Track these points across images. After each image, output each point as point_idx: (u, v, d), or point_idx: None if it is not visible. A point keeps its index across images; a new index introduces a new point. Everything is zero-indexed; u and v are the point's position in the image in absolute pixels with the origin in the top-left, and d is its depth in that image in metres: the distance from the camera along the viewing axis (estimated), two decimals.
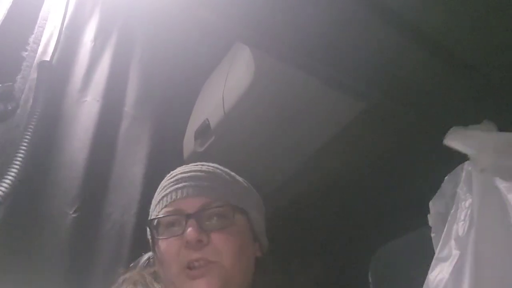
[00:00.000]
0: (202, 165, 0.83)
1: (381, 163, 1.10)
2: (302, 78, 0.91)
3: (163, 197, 0.79)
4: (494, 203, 0.68)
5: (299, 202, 1.04)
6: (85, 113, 1.20)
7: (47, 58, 1.14)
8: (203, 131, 1.17)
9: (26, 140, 1.00)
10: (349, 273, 1.27)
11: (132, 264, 0.87)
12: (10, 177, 0.92)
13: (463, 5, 0.72)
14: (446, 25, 0.76)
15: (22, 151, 0.97)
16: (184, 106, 1.35)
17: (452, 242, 0.69)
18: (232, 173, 0.85)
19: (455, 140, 0.76)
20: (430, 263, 0.70)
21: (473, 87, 0.88)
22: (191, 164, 0.83)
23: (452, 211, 0.73)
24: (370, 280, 1.25)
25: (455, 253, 0.67)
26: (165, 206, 0.77)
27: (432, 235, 0.76)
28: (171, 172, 0.83)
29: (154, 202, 0.83)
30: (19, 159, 0.95)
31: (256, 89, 0.98)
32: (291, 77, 0.93)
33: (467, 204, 0.71)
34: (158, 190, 0.83)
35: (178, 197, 0.77)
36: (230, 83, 1.08)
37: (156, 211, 0.79)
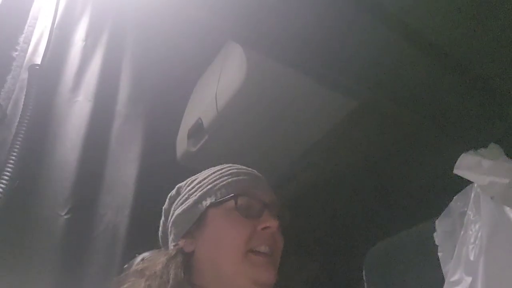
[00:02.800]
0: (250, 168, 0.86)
1: (373, 161, 1.10)
2: (294, 76, 0.91)
3: (231, 181, 0.79)
4: (504, 231, 0.69)
5: (293, 200, 1.04)
6: (76, 113, 1.19)
7: (38, 58, 1.14)
8: (196, 130, 1.16)
9: (17, 141, 0.99)
10: (343, 271, 1.27)
11: (126, 266, 0.86)
12: (4, 180, 0.91)
13: (455, 3, 0.72)
14: (438, 24, 0.76)
15: (14, 153, 0.96)
16: (177, 105, 1.34)
17: (463, 266, 0.71)
18: None
19: (464, 169, 0.77)
20: (424, 261, 0.71)
21: (465, 85, 0.88)
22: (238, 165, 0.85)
23: (462, 233, 0.74)
24: (364, 278, 1.25)
25: (467, 278, 0.69)
26: (236, 190, 0.77)
27: (439, 254, 0.77)
28: (221, 166, 0.83)
29: (207, 186, 0.80)
30: (11, 161, 0.94)
31: (248, 88, 0.98)
32: (283, 75, 0.93)
33: (476, 227, 0.73)
34: (209, 179, 0.81)
35: (252, 185, 0.79)
36: (222, 82, 1.07)
37: (220, 194, 0.78)
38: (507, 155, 0.82)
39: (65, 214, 1.06)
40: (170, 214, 0.83)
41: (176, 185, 0.86)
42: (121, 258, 1.07)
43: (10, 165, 0.97)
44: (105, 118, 1.25)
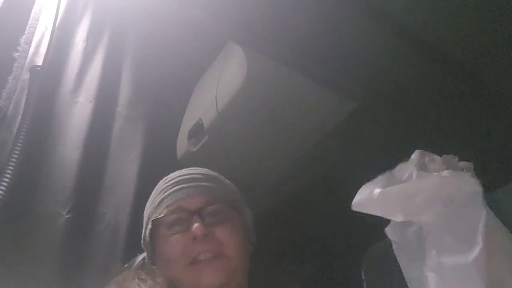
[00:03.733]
0: (196, 169, 0.87)
1: (373, 161, 1.10)
2: (294, 78, 0.91)
3: (163, 198, 0.81)
4: None
5: (292, 201, 1.05)
6: (77, 113, 1.19)
7: (39, 59, 1.14)
8: (197, 131, 1.17)
9: (19, 142, 0.99)
10: (342, 271, 1.28)
11: (126, 265, 0.87)
12: (5, 180, 0.91)
13: (453, 5, 0.73)
14: (437, 26, 0.77)
15: (15, 153, 0.97)
16: (177, 106, 1.35)
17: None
18: (222, 177, 0.88)
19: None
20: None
21: (464, 88, 0.89)
22: (184, 170, 0.87)
23: None
24: (363, 277, 1.25)
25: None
26: (167, 207, 0.80)
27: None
28: (166, 177, 0.86)
29: (152, 205, 0.84)
30: (12, 161, 0.95)
31: (248, 89, 0.99)
32: (283, 76, 0.94)
33: None
34: (154, 193, 0.86)
35: (179, 197, 0.80)
36: (223, 83, 1.08)
37: (157, 212, 0.81)
38: (507, 157, 0.82)
39: (66, 213, 1.07)
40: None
41: None
42: (122, 257, 1.08)
43: (11, 165, 0.98)
44: (106, 119, 1.25)
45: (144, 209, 0.87)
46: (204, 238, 0.75)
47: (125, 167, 1.23)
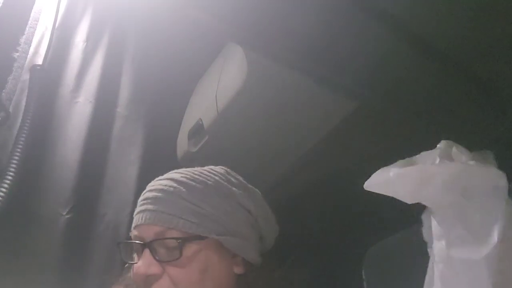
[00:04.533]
0: (170, 179, 0.79)
1: (374, 161, 1.10)
2: (294, 78, 0.91)
3: (134, 215, 0.80)
4: None
5: (293, 201, 1.05)
6: (77, 114, 1.20)
7: (39, 59, 1.14)
8: (197, 131, 1.17)
9: (19, 142, 0.99)
10: (343, 270, 1.28)
11: (126, 265, 0.87)
12: (6, 181, 0.91)
13: (456, 5, 0.73)
14: (438, 25, 0.77)
15: (15, 153, 0.97)
16: (177, 106, 1.35)
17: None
18: (213, 184, 0.79)
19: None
20: (425, 260, 0.71)
21: (466, 87, 0.89)
22: (164, 176, 0.81)
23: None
24: (364, 277, 1.25)
25: None
26: (132, 230, 0.79)
27: (429, 250, 0.75)
28: (149, 184, 0.82)
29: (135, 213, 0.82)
30: (13, 162, 0.95)
31: (249, 89, 0.99)
32: (284, 76, 0.93)
33: None
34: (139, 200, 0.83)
35: (139, 222, 0.76)
36: (223, 83, 1.08)
37: (132, 227, 0.80)
38: (509, 156, 0.82)
39: (67, 214, 1.07)
40: None
41: None
42: (121, 258, 1.08)
43: (12, 166, 0.98)
44: (106, 119, 1.26)
45: None
46: (149, 279, 0.70)
47: (125, 167, 1.23)
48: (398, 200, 0.79)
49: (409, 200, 0.66)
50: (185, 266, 0.71)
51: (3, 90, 1.07)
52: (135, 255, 0.75)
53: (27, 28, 1.16)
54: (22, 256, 0.99)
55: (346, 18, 0.76)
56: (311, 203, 1.22)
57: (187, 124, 1.23)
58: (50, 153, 1.12)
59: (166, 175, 0.82)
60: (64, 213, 1.07)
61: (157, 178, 0.82)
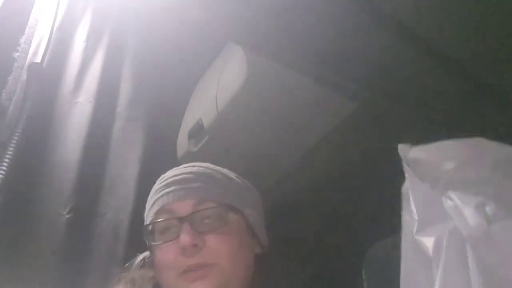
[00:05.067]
0: (193, 166, 0.82)
1: (374, 161, 1.10)
2: (294, 78, 0.91)
3: (155, 201, 0.79)
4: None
5: (293, 201, 1.05)
6: (77, 114, 1.20)
7: (39, 59, 1.14)
8: (197, 131, 1.17)
9: (19, 142, 0.99)
10: (342, 271, 1.28)
11: (127, 265, 0.87)
12: (6, 180, 0.92)
13: (455, 5, 0.73)
14: (439, 26, 0.77)
15: (16, 153, 0.97)
16: (178, 106, 1.35)
17: None
18: (225, 171, 0.83)
19: None
20: None
21: (468, 88, 0.89)
22: (182, 166, 0.83)
23: None
24: (364, 277, 1.25)
25: None
26: (157, 211, 0.77)
27: None
28: (162, 176, 0.83)
29: (147, 206, 0.82)
30: (13, 161, 0.95)
31: (249, 89, 0.99)
32: (284, 76, 0.93)
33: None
34: (151, 193, 0.83)
35: (170, 200, 0.76)
36: (223, 83, 1.08)
37: (150, 216, 0.79)
38: None
39: (67, 214, 1.07)
40: None
41: None
42: (122, 257, 1.08)
43: (11, 166, 0.98)
44: (106, 119, 1.25)
45: (144, 210, 0.86)
46: (193, 249, 0.71)
47: (125, 167, 1.23)
48: (398, 200, 0.79)
49: (449, 166, 0.68)
50: (225, 236, 0.73)
51: (3, 90, 1.07)
52: (168, 234, 0.75)
53: (27, 28, 1.16)
54: (22, 256, 0.99)
55: (347, 19, 0.76)
56: (310, 202, 1.22)
57: (187, 124, 1.23)
58: (50, 153, 1.12)
59: (182, 166, 0.83)
60: (65, 213, 1.07)
61: (173, 169, 0.83)
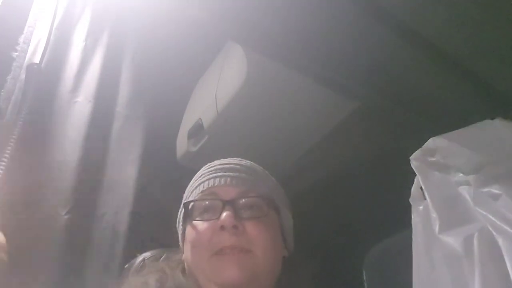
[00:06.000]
0: (240, 160, 0.85)
1: (375, 161, 1.10)
2: (295, 77, 0.91)
3: (200, 183, 0.80)
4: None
5: (293, 201, 1.04)
6: (76, 113, 1.19)
7: (37, 59, 1.13)
8: (197, 131, 1.16)
9: (13, 141, 0.99)
10: (343, 272, 1.27)
11: (126, 266, 0.87)
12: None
13: (457, 5, 0.73)
14: (440, 26, 0.76)
15: (8, 152, 0.97)
16: (177, 106, 1.35)
17: None
18: (267, 172, 0.86)
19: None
20: None
21: (468, 88, 0.89)
22: (229, 158, 0.85)
23: None
24: (365, 278, 1.25)
25: None
26: (202, 192, 0.78)
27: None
28: (210, 163, 0.84)
29: (189, 188, 0.83)
30: (5, 160, 0.95)
31: (249, 88, 0.98)
32: (284, 76, 0.93)
33: None
34: (195, 178, 0.84)
35: (216, 184, 0.78)
36: (223, 83, 1.08)
37: (192, 196, 0.80)
38: None
39: (65, 214, 1.06)
40: None
41: (176, 185, 0.87)
42: (121, 258, 1.07)
43: (10, 165, 0.97)
44: (105, 119, 1.25)
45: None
46: (233, 230, 0.71)
47: (124, 167, 1.23)
48: (401, 200, 0.79)
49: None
50: (264, 227, 0.75)
51: (2, 90, 1.07)
52: (209, 214, 0.75)
53: (26, 28, 1.15)
54: (21, 256, 0.99)
55: (348, 19, 0.76)
56: (311, 203, 1.22)
57: (187, 123, 1.23)
58: (49, 152, 1.11)
59: (229, 159, 0.85)
60: (63, 213, 1.06)
61: (220, 160, 0.85)
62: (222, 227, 0.72)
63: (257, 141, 1.08)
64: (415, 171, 0.76)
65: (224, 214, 0.72)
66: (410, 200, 0.78)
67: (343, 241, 1.29)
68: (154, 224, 0.90)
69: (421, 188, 0.76)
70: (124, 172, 1.22)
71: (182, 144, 1.23)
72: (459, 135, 0.77)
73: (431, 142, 0.78)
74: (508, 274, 0.59)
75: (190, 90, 1.34)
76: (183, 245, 0.80)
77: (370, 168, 1.11)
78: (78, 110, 1.20)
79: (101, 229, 1.11)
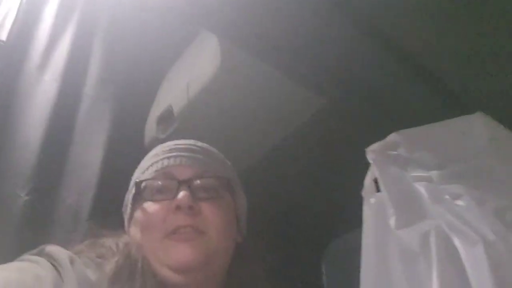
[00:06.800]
0: (196, 141, 0.83)
1: (338, 157, 1.12)
2: (267, 71, 0.91)
3: (153, 163, 0.78)
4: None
5: (256, 192, 1.05)
6: (42, 92, 1.15)
7: (4, 33, 1.09)
8: (166, 118, 1.15)
9: None
10: (302, 265, 1.30)
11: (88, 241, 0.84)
12: None
13: (423, 7, 0.74)
14: (406, 27, 0.78)
15: None
16: (148, 90, 1.32)
17: None
18: (222, 155, 0.85)
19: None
20: None
21: (432, 90, 0.91)
22: (184, 139, 0.83)
23: None
24: (324, 272, 1.28)
25: None
26: (156, 171, 0.76)
27: None
28: (164, 144, 0.83)
29: (140, 169, 0.81)
30: None
31: (221, 78, 0.98)
32: (257, 69, 0.93)
33: None
34: (146, 157, 0.82)
35: (171, 164, 0.76)
36: (195, 71, 1.07)
37: (145, 176, 0.77)
38: None
39: (26, 195, 1.03)
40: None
41: None
42: (82, 242, 1.06)
43: None
44: (72, 99, 1.21)
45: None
46: (188, 210, 0.70)
47: (90, 149, 1.20)
48: (360, 196, 0.81)
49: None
50: (219, 209, 0.74)
51: None
52: (163, 194, 0.74)
53: None
54: None
55: (322, 18, 0.77)
56: (274, 197, 1.23)
57: (157, 109, 1.21)
58: (11, 131, 1.08)
59: (183, 140, 0.84)
60: (23, 195, 1.03)
61: (174, 141, 0.83)
62: (178, 207, 0.70)
63: (226, 132, 1.08)
64: (371, 163, 0.77)
65: (180, 194, 0.71)
66: (362, 193, 0.79)
67: (303, 234, 1.32)
68: (116, 209, 0.89)
69: (374, 181, 0.76)
70: (89, 155, 1.19)
71: (150, 130, 1.22)
72: (425, 131, 0.77)
73: (393, 136, 0.79)
74: (465, 273, 0.61)
75: (161, 76, 1.32)
76: (129, 228, 0.78)
77: (335, 163, 1.14)
78: (44, 88, 1.16)
79: (62, 213, 1.09)
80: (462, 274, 0.61)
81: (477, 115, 0.75)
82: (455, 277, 0.62)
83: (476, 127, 0.74)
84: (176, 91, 1.12)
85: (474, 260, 0.60)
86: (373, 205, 0.75)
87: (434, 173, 0.72)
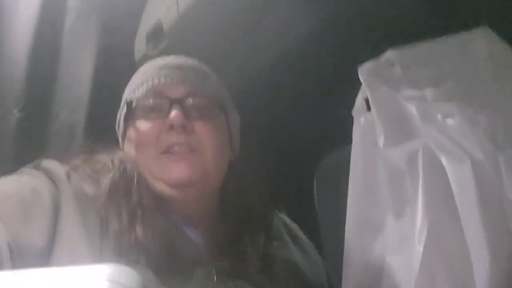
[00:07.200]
0: (187, 57, 0.81)
1: (331, 76, 1.11)
2: None
3: (143, 81, 0.76)
4: None
5: (249, 108, 1.06)
6: (25, 5, 1.10)
7: None
8: (156, 33, 1.11)
9: None
10: (295, 180, 1.33)
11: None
12: None
13: None
14: None
15: None
16: (136, 2, 1.25)
17: None
18: (213, 74, 0.83)
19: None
20: None
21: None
22: (174, 56, 0.81)
23: None
24: (315, 190, 1.31)
25: None
26: (147, 90, 0.75)
27: None
28: (153, 60, 0.80)
29: (130, 87, 0.80)
30: None
31: None
32: None
33: None
34: (136, 74, 0.80)
35: (162, 82, 0.74)
36: None
37: (135, 95, 0.76)
38: None
39: (18, 111, 1.03)
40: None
41: None
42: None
43: None
44: (57, 11, 1.16)
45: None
46: (181, 129, 0.70)
47: (79, 65, 1.17)
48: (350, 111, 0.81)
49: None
50: (213, 128, 0.74)
51: None
52: (155, 113, 0.73)
53: None
54: None
55: None
56: (270, 112, 1.23)
57: (146, 25, 1.17)
58: None
59: (174, 56, 0.81)
60: (16, 111, 1.03)
61: (163, 57, 0.81)
62: (171, 126, 0.71)
63: (218, 48, 1.05)
64: (362, 82, 0.76)
65: (173, 112, 0.70)
66: (353, 111, 0.79)
67: (295, 150, 1.34)
68: (109, 125, 0.89)
69: (365, 100, 0.76)
70: (79, 70, 1.16)
71: (140, 46, 1.18)
72: (424, 47, 0.75)
73: (389, 54, 0.77)
74: (450, 190, 0.63)
75: None
76: (123, 145, 0.79)
77: (326, 81, 1.13)
78: (27, 3, 1.10)
79: (55, 129, 1.09)
80: (448, 192, 0.63)
81: (481, 30, 0.72)
82: (441, 194, 0.64)
83: (477, 42, 0.72)
84: (165, 5, 1.07)
85: (460, 178, 0.62)
86: (363, 124, 0.76)
87: (428, 91, 0.71)
